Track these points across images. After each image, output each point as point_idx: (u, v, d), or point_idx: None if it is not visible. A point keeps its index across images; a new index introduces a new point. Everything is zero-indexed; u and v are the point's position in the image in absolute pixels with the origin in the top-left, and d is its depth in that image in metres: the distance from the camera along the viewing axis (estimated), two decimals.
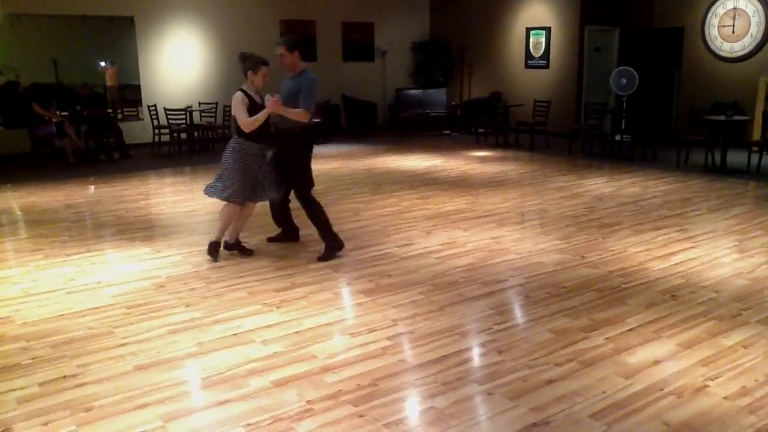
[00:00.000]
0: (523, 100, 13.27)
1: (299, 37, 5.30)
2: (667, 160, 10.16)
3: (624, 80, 10.57)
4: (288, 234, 5.98)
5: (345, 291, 4.79)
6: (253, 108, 5.21)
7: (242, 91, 5.23)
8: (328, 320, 4.19)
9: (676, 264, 5.27)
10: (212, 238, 5.51)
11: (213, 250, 5.44)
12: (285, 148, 5.51)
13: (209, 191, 5.40)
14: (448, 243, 5.93)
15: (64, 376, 3.47)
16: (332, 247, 5.55)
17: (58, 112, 10.86)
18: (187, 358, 3.68)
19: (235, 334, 3.97)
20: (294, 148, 5.47)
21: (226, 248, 5.55)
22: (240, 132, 5.25)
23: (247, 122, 5.16)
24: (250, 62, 5.23)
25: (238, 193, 5.28)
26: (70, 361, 3.64)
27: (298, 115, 5.24)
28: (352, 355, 3.67)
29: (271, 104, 5.12)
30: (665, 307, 4.37)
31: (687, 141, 9.91)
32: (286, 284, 4.86)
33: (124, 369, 3.54)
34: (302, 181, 5.53)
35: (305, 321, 4.17)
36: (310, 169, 5.61)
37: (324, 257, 5.47)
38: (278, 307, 4.40)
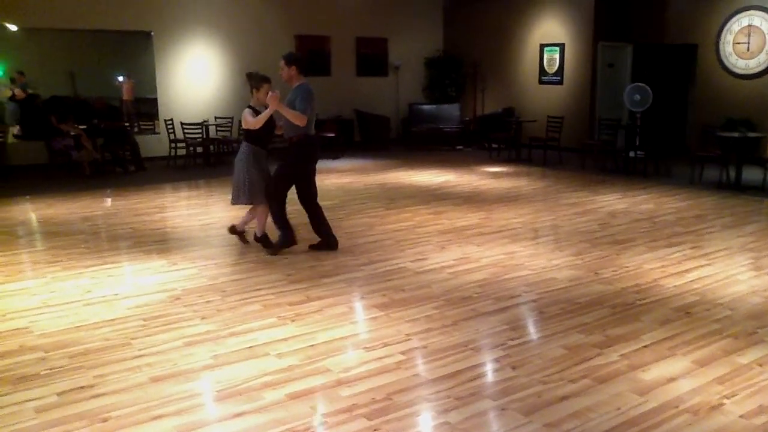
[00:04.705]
0: (536, 115, 13.30)
1: (302, 54, 5.80)
2: (681, 177, 10.14)
3: (638, 96, 10.57)
4: (328, 243, 6.19)
5: (359, 305, 4.81)
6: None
7: (249, 107, 5.88)
8: (343, 334, 4.22)
9: (690, 281, 5.25)
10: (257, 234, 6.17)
11: (263, 242, 6.14)
12: (287, 155, 6.00)
13: (239, 200, 6.03)
14: (461, 258, 5.95)
15: (81, 387, 3.50)
16: (284, 242, 6.02)
17: (75, 125, 11.01)
18: (203, 370, 3.71)
19: (250, 347, 4.00)
20: (287, 157, 5.95)
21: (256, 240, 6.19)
22: (248, 138, 5.94)
23: (252, 121, 5.76)
24: (254, 80, 5.84)
25: (253, 192, 5.94)
26: (87, 372, 3.68)
27: (294, 116, 5.68)
28: (367, 369, 3.69)
29: (271, 98, 5.63)
30: (680, 324, 4.36)
31: (701, 157, 9.88)
32: (301, 298, 4.89)
33: (140, 380, 3.58)
34: (276, 183, 5.91)
35: (320, 335, 4.19)
36: (312, 181, 6.09)
37: (274, 247, 6.01)
38: (293, 321, 4.43)
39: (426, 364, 3.78)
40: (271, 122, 5.86)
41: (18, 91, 12.87)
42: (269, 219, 6.11)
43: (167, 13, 12.41)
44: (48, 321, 4.48)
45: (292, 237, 6.08)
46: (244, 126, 5.97)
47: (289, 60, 5.83)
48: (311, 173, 6.08)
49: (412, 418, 3.20)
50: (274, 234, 6.14)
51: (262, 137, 5.94)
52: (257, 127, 5.78)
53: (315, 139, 6.03)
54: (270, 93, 5.69)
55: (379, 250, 6.23)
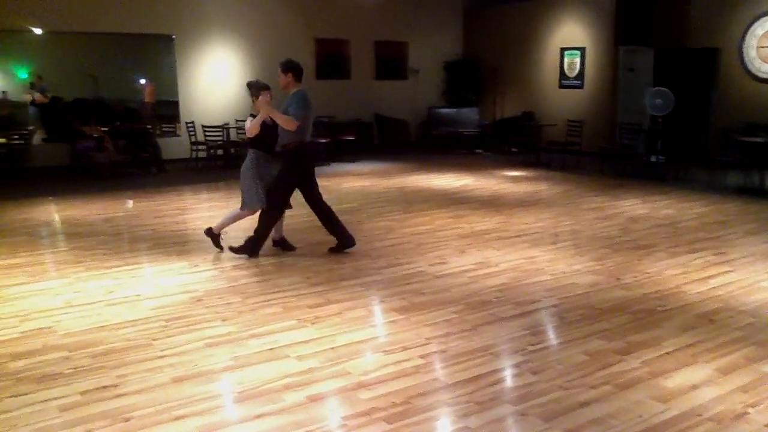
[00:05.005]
0: (555, 119, 13.24)
1: (297, 61, 6.06)
2: (703, 182, 10.03)
3: (659, 100, 10.48)
4: (345, 242, 6.24)
5: (378, 308, 4.82)
6: (263, 127, 5.88)
7: (251, 115, 6.01)
8: (362, 337, 4.22)
9: (713, 288, 5.20)
10: (213, 227, 6.35)
11: (210, 235, 6.34)
12: (282, 163, 6.04)
13: (249, 207, 6.09)
14: (481, 262, 5.94)
15: (104, 386, 3.54)
16: (250, 248, 6.05)
17: (98, 127, 11.15)
18: (224, 371, 3.73)
19: (270, 349, 4.02)
20: (283, 165, 6.00)
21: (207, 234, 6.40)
22: (253, 144, 6.03)
23: (248, 127, 5.90)
24: (253, 89, 5.95)
25: (261, 199, 6.02)
26: (109, 372, 3.72)
27: (285, 120, 5.74)
28: (386, 373, 3.69)
29: (261, 102, 5.78)
30: (702, 331, 4.31)
31: (723, 162, 9.77)
32: (320, 300, 4.90)
33: (162, 380, 3.61)
34: (277, 192, 5.97)
35: (339, 337, 4.20)
36: (314, 185, 6.13)
37: (237, 249, 6.08)
38: (313, 323, 4.45)
39: (445, 368, 3.77)
40: (273, 127, 5.90)
41: (38, 96, 13.04)
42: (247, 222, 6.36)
43: (189, 17, 12.53)
44: (71, 321, 4.53)
45: (257, 249, 6.07)
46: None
47: (286, 67, 5.91)
48: (310, 177, 6.12)
49: (432, 422, 3.20)
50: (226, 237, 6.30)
51: (266, 142, 5.98)
52: (252, 133, 5.88)
53: (310, 146, 6.09)
54: (261, 97, 5.79)
55: (398, 254, 6.24)
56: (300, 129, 5.81)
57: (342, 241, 6.24)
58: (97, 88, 13.99)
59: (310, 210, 6.28)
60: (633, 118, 12.26)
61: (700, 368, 3.75)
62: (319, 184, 6.23)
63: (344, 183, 10.43)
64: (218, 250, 6.29)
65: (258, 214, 6.10)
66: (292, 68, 5.92)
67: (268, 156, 6.05)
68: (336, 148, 12.82)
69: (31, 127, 12.34)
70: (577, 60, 13.39)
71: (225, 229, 6.42)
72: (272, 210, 6.03)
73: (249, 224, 6.36)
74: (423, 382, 3.59)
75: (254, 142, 6.02)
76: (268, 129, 5.91)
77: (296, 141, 5.88)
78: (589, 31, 13.14)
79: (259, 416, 3.23)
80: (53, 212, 8.40)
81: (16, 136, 11.16)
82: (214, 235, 6.32)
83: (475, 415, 3.22)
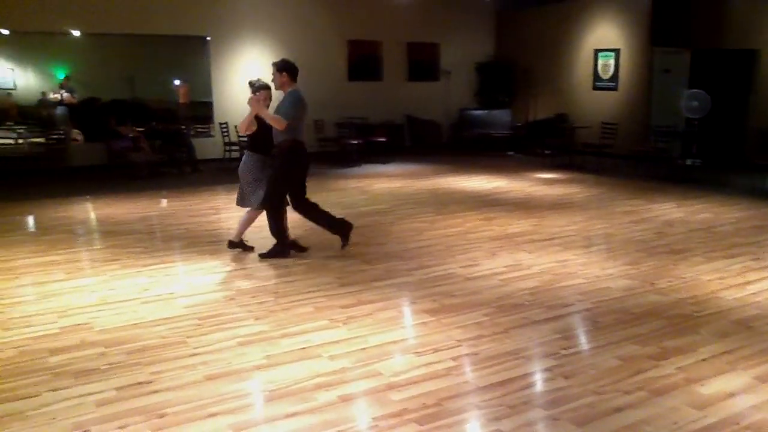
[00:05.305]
0: (589, 121, 13.09)
1: (292, 61, 6.13)
2: (740, 186, 9.83)
3: (696, 103, 10.30)
4: (346, 231, 6.28)
5: (409, 310, 4.82)
6: (261, 127, 5.97)
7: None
8: (393, 338, 4.23)
9: (751, 293, 5.09)
10: (233, 239, 6.33)
11: (234, 245, 6.31)
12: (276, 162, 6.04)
13: (245, 203, 6.21)
14: (513, 265, 5.90)
15: (139, 383, 3.60)
16: (279, 250, 6.08)
17: (133, 127, 11.34)
18: (256, 369, 3.77)
19: (302, 348, 4.05)
20: (277, 164, 5.99)
21: (231, 247, 6.33)
22: (249, 145, 6.16)
23: (239, 125, 6.08)
24: (254, 88, 6.04)
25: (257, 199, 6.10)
26: (144, 368, 3.78)
27: (274, 119, 5.80)
28: (417, 374, 3.69)
29: (251, 100, 5.87)
30: (740, 338, 4.23)
31: (761, 166, 9.57)
32: (352, 301, 4.92)
33: (195, 378, 3.66)
34: (272, 192, 5.98)
35: (371, 338, 4.21)
36: (304, 186, 6.13)
37: (267, 254, 6.08)
38: (345, 324, 4.46)
39: (477, 371, 3.76)
40: (271, 127, 5.89)
41: (66, 96, 13.28)
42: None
43: (223, 19, 12.68)
44: (107, 318, 4.62)
45: (285, 247, 6.11)
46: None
47: (281, 67, 5.98)
48: (304, 178, 6.12)
49: (464, 424, 3.19)
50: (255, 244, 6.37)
51: (265, 143, 6.00)
52: (244, 130, 5.98)
53: (303, 145, 6.06)
54: (251, 96, 5.87)
55: (429, 256, 6.23)
56: (292, 128, 5.83)
57: (342, 233, 6.24)
58: (134, 88, 14.22)
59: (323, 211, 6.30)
60: (668, 120, 12.07)
61: (737, 375, 3.68)
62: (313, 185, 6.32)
63: (376, 184, 10.45)
64: (250, 250, 6.31)
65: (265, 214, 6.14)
66: (287, 68, 5.98)
67: (265, 158, 6.05)
68: (367, 149, 12.85)
69: (62, 128, 12.61)
70: (612, 62, 13.23)
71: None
72: (273, 209, 6.03)
73: (264, 223, 6.36)
74: (454, 384, 3.58)
75: (253, 143, 6.07)
76: (267, 130, 5.92)
77: (289, 139, 5.88)
78: (624, 33, 12.98)
79: (291, 415, 3.25)
80: (90, 211, 8.56)
81: (54, 136, 11.40)
82: (237, 244, 6.29)
83: (507, 419, 3.20)
